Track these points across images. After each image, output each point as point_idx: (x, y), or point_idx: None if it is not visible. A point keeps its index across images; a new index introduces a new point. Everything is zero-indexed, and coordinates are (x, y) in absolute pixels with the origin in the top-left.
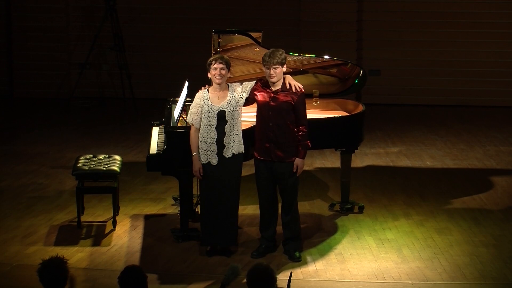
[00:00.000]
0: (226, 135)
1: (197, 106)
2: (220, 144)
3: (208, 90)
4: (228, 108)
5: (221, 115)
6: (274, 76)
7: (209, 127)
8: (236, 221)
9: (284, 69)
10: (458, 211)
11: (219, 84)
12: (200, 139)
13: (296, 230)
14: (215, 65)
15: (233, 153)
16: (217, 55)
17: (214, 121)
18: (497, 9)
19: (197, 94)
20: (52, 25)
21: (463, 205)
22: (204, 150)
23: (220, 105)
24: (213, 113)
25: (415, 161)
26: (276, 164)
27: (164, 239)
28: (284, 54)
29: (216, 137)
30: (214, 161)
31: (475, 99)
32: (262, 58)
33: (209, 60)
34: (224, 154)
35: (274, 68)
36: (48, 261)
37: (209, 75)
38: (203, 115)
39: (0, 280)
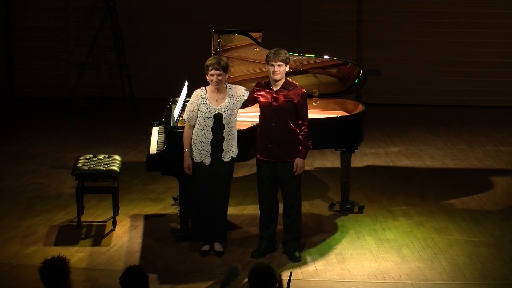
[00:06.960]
0: (225, 140)
1: (194, 104)
2: (215, 145)
3: (206, 89)
4: (226, 112)
5: (218, 117)
6: (278, 73)
7: (205, 127)
8: (225, 219)
9: (287, 69)
10: (458, 211)
11: (216, 89)
12: (195, 137)
13: (296, 232)
14: (211, 72)
15: (231, 157)
16: (213, 59)
17: (211, 122)
18: (497, 9)
19: (194, 92)
20: (52, 25)
21: (463, 205)
22: (198, 149)
23: (218, 107)
24: (210, 114)
25: (415, 161)
26: (278, 164)
27: (164, 239)
28: (288, 54)
29: (211, 137)
30: (207, 161)
31: (475, 99)
32: (267, 55)
33: (206, 63)
34: (222, 158)
35: (279, 65)
36: (50, 261)
37: (207, 77)
38: (199, 114)
39: (0, 280)
